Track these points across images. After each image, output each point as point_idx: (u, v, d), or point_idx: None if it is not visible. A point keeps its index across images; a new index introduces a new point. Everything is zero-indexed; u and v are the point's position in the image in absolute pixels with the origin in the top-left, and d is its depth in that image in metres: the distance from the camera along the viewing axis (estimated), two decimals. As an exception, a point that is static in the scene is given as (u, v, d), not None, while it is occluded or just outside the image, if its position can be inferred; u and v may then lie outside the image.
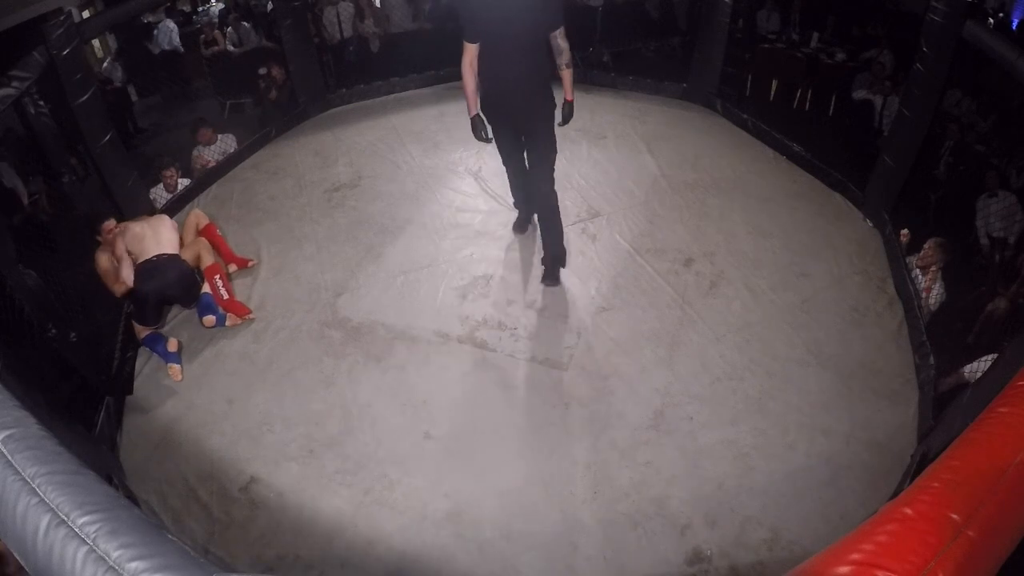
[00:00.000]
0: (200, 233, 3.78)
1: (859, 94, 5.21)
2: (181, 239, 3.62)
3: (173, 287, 3.33)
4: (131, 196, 3.91)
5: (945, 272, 3.29)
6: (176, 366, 3.18)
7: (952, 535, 0.85)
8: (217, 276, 3.50)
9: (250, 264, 3.76)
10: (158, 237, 3.42)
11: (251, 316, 3.46)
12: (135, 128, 5.89)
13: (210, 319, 3.36)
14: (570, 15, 3.18)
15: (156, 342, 3.27)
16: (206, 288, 3.47)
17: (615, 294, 3.53)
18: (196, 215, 3.87)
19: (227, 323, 3.41)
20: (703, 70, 5.18)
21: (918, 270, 3.39)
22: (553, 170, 3.29)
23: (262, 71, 5.58)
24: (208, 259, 3.56)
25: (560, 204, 3.38)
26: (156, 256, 3.34)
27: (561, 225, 3.44)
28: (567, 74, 3.15)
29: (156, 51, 6.45)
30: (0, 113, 2.92)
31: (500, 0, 2.88)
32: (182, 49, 6.43)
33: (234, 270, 3.71)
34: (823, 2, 6.11)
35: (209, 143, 4.69)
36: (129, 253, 3.34)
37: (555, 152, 3.28)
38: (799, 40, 6.01)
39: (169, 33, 6.45)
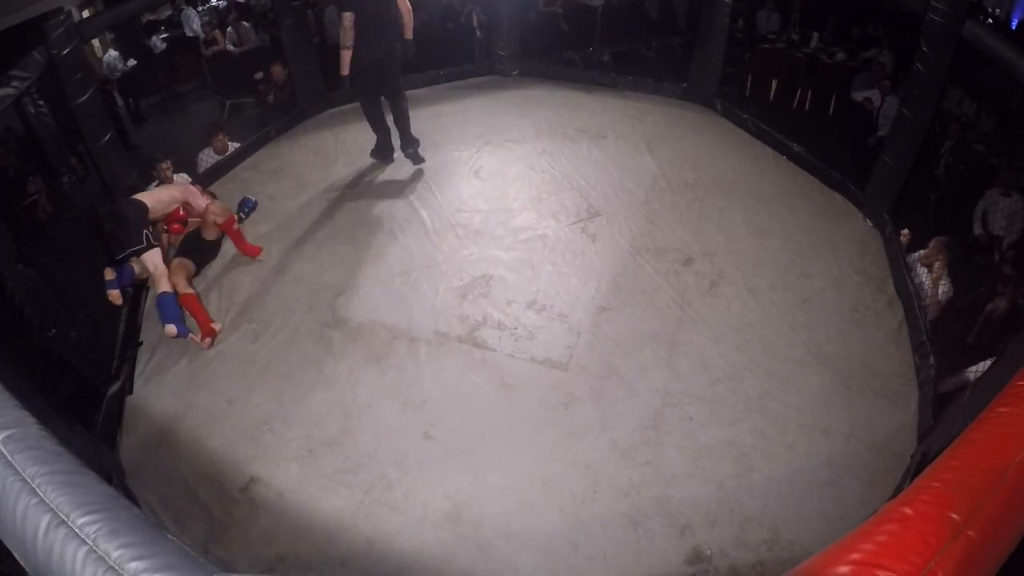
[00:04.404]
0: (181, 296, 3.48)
1: (859, 94, 5.20)
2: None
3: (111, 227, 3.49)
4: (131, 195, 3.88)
5: (949, 270, 3.29)
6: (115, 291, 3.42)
7: (952, 535, 0.85)
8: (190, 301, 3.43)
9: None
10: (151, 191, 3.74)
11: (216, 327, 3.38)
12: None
13: (171, 329, 3.26)
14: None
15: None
16: (165, 287, 3.37)
17: (615, 294, 3.52)
18: (183, 264, 3.63)
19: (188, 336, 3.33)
20: (703, 70, 5.17)
21: (924, 267, 3.37)
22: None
23: (263, 74, 5.55)
24: (182, 287, 3.47)
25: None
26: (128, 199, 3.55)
27: (409, 121, 4.46)
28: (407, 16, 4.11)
29: (160, 48, 6.46)
30: (0, 113, 2.93)
31: None
32: (202, 34, 6.43)
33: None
34: (823, 2, 6.11)
35: (222, 152, 4.67)
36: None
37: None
38: (799, 40, 6.00)
39: (192, 20, 6.57)
